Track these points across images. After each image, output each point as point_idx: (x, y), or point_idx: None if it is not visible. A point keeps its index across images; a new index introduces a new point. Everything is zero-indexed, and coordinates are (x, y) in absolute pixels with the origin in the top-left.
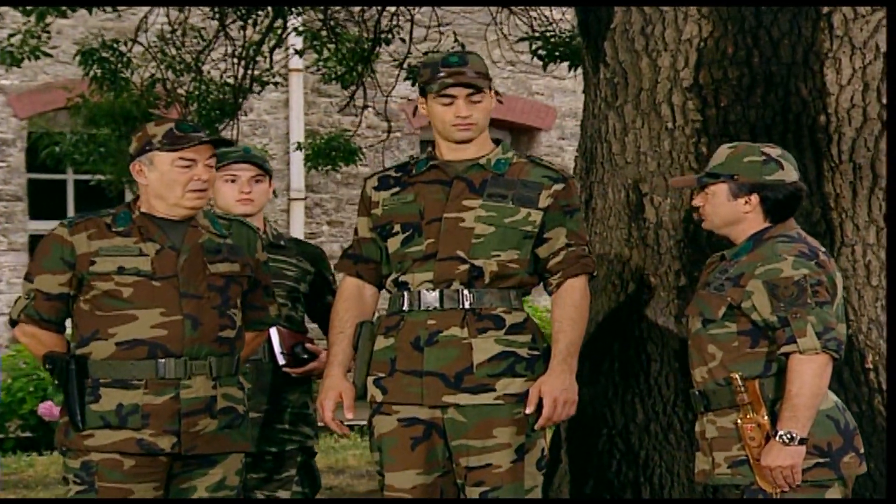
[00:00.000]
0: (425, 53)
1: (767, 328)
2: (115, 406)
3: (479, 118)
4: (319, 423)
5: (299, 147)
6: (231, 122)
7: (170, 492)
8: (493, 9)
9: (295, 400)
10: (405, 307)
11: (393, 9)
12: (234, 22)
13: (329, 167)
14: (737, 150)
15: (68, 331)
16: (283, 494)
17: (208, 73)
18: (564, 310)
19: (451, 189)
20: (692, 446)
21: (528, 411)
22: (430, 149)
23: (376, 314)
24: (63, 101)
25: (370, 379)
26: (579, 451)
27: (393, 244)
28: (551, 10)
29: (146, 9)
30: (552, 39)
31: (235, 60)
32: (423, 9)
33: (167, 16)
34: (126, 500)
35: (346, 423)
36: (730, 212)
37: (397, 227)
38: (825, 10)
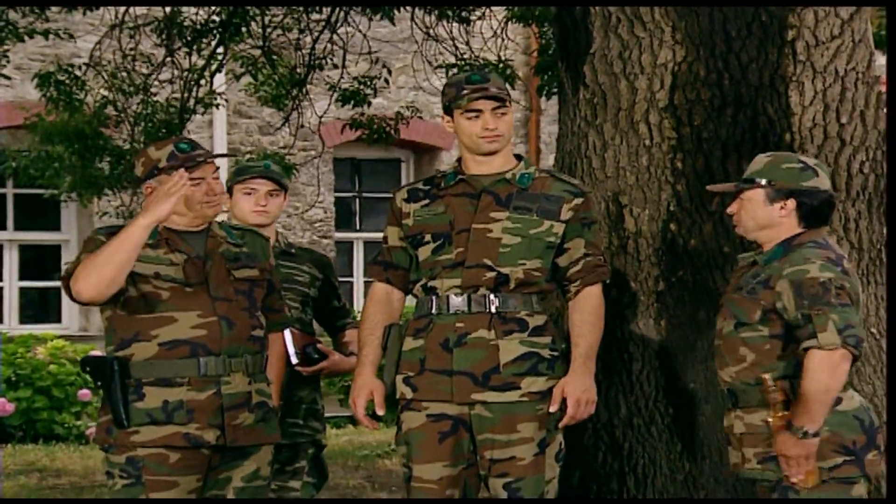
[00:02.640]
0: (354, 78)
1: (795, 328)
2: (160, 403)
3: (504, 130)
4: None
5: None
6: None
7: (207, 482)
8: (419, 39)
9: (306, 396)
10: (433, 311)
11: (327, 36)
12: (179, 48)
13: None
14: (775, 158)
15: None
16: (295, 484)
17: (155, 95)
18: (583, 315)
19: (480, 202)
20: (673, 439)
21: (552, 409)
22: (456, 163)
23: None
24: (4, 119)
25: (399, 377)
26: (566, 444)
27: (424, 252)
28: (468, 36)
29: (88, 35)
30: (466, 68)
31: (181, 83)
32: (355, 37)
33: (119, 41)
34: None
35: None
36: (765, 216)
37: (428, 237)
38: (790, 37)
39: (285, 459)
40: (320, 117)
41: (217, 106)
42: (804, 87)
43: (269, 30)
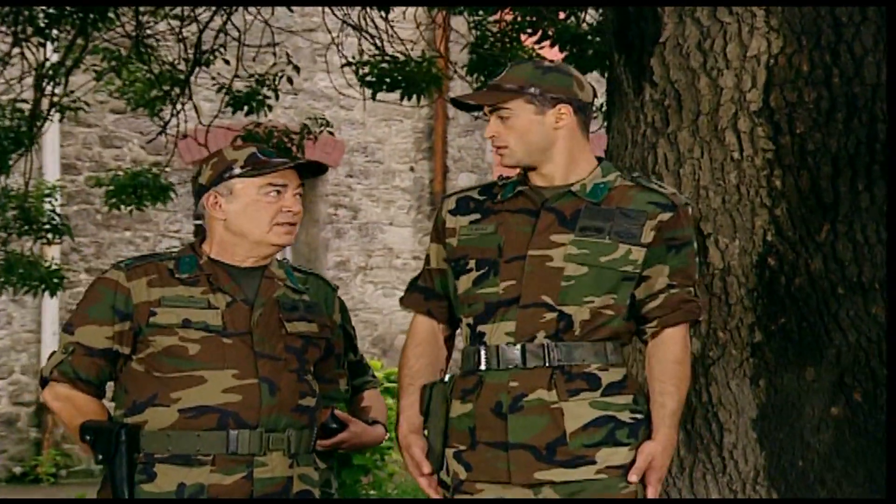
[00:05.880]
0: (250, 76)
1: None
2: (175, 487)
3: (509, 139)
4: None
5: (98, 183)
6: (27, 153)
7: None
8: (335, 29)
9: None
10: (482, 366)
11: (217, 25)
12: (29, 38)
13: (133, 206)
14: None
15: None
16: None
17: None
18: (666, 366)
19: (538, 221)
20: None
21: (632, 479)
22: (520, 171)
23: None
24: None
25: (450, 452)
26: None
27: (464, 283)
28: (389, 32)
29: None
30: (382, 65)
31: (33, 81)
32: (254, 26)
33: None
34: None
35: None
36: None
37: (472, 263)
38: None
39: None
40: (207, 126)
41: (76, 111)
42: None
43: (142, 16)
